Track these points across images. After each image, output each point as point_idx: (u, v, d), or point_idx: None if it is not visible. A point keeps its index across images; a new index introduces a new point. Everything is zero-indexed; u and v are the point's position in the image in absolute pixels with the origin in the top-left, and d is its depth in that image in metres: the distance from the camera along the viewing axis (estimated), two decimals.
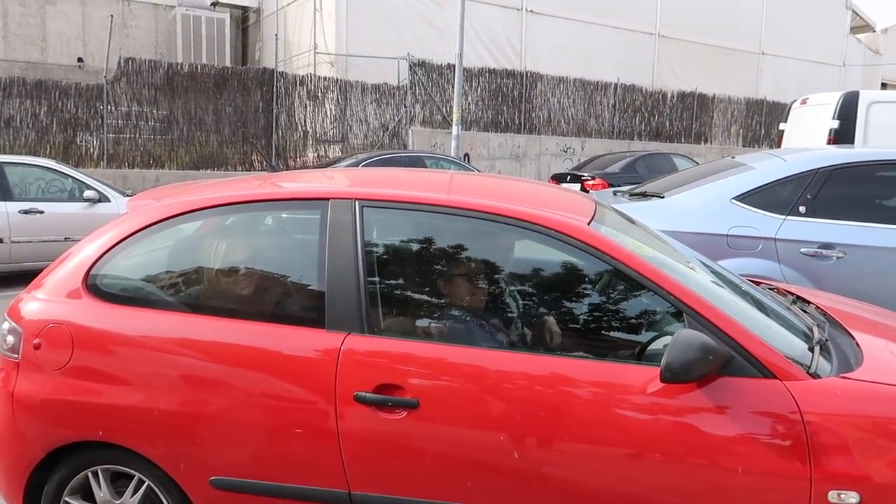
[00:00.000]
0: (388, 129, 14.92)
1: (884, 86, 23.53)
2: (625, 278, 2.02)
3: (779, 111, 20.62)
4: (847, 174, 4.21)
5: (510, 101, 16.40)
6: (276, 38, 15.31)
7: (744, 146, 20.09)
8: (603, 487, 1.89)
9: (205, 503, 2.13)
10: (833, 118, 7.27)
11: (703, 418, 1.85)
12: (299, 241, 2.35)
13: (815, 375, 1.89)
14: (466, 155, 13.87)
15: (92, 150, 12.76)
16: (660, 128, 18.80)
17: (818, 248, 3.97)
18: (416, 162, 11.02)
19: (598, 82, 17.56)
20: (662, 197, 4.47)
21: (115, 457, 2.20)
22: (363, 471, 1.99)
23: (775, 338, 2.02)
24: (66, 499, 2.27)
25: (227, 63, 17.34)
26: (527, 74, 16.57)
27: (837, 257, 3.95)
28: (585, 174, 12.44)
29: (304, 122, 14.47)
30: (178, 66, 13.72)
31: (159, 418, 2.09)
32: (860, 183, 4.24)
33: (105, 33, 14.14)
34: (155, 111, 13.28)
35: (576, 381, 1.94)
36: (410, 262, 2.74)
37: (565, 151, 16.84)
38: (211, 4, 18.64)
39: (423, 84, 15.13)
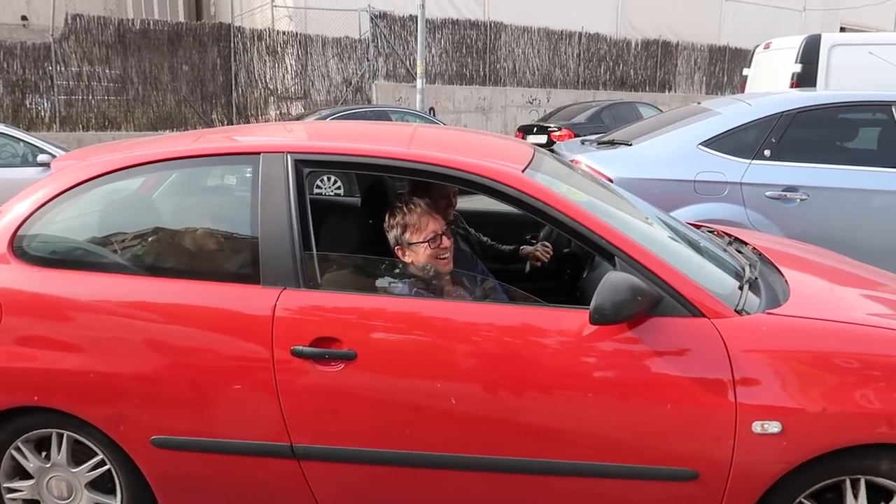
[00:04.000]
0: (350, 84, 14.62)
1: (843, 29, 23.73)
2: (558, 224, 2.04)
3: (741, 58, 20.63)
4: (810, 117, 4.25)
5: (474, 53, 16.17)
6: None
7: (707, 93, 20.19)
8: (537, 428, 1.94)
9: (147, 463, 2.13)
10: (796, 62, 7.32)
11: (633, 357, 1.89)
12: (233, 197, 2.32)
13: (741, 312, 1.94)
14: (432, 109, 13.70)
15: (43, 112, 12.29)
16: (624, 77, 18.76)
17: (782, 191, 4.03)
18: (382, 117, 10.84)
19: (562, 31, 17.38)
20: (630, 145, 4.47)
21: (52, 421, 2.18)
22: (304, 423, 2.01)
23: (706, 277, 2.06)
24: (7, 485, 2.28)
25: (181, 18, 16.70)
26: (490, 25, 16.31)
27: (801, 199, 4.02)
28: (552, 125, 12.41)
29: (265, 78, 14.10)
30: (130, 23, 13.19)
31: (95, 380, 2.07)
32: (823, 125, 4.28)
33: None
34: (107, 70, 12.80)
35: (510, 326, 1.98)
36: (344, 214, 2.77)
37: (531, 103, 16.74)
38: None
39: (385, 37, 14.80)
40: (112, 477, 2.22)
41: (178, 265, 2.23)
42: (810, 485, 1.91)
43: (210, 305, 2.05)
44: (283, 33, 14.21)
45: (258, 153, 2.16)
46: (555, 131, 12.07)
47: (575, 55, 17.76)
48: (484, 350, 1.96)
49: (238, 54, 13.73)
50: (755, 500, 1.91)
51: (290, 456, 2.04)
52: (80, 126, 12.51)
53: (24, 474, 2.26)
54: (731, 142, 4.17)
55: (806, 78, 7.21)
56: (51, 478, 2.25)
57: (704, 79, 20.42)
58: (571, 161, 4.54)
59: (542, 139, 12.28)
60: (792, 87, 7.23)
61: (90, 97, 12.68)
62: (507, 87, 16.58)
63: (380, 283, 2.25)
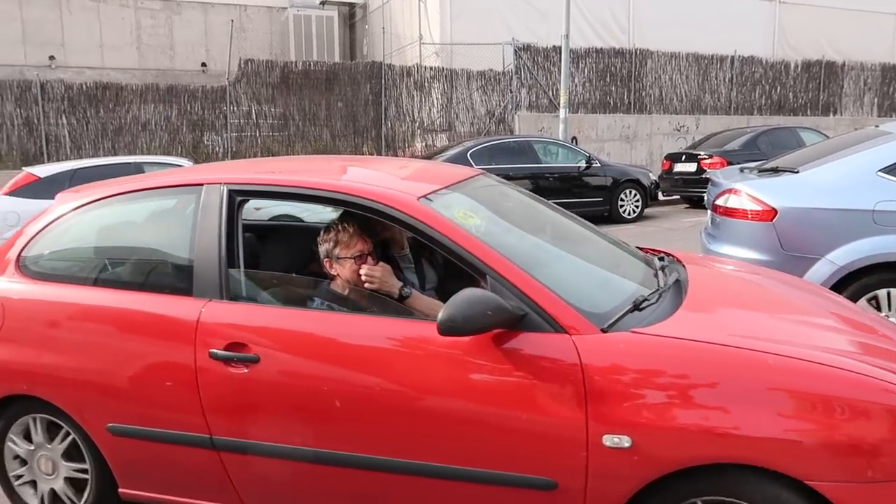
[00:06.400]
0: (493, 115, 14.91)
1: None
2: (442, 248, 2.20)
3: None
4: None
5: (619, 81, 15.92)
6: (384, 32, 15.65)
7: (879, 116, 18.45)
8: (406, 431, 2.11)
9: (104, 445, 2.52)
10: None
11: (494, 369, 2.02)
12: (180, 223, 2.62)
13: (607, 330, 2.02)
14: (574, 138, 13.62)
15: (217, 148, 13.61)
16: (782, 100, 17.63)
17: None
18: (524, 147, 10.95)
19: (712, 56, 16.69)
20: (796, 172, 4.20)
21: (34, 408, 2.64)
22: (219, 418, 2.31)
23: (584, 297, 2.16)
24: (12, 473, 2.81)
25: (337, 59, 17.93)
26: (636, 52, 16.01)
27: None
28: (702, 153, 11.90)
29: (412, 112, 14.73)
30: (293, 65, 14.34)
31: (66, 374, 2.49)
32: None
33: (224, 38, 14.98)
34: (272, 109, 13.97)
35: (387, 337, 2.19)
36: (263, 236, 3.14)
37: (678, 130, 16.16)
38: (320, 3, 19.29)
39: (528, 68, 14.99)
40: (80, 450, 2.63)
41: (136, 279, 2.63)
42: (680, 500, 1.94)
43: (153, 312, 2.43)
44: (430, 69, 14.80)
45: (202, 185, 2.53)
46: (705, 159, 11.56)
47: (727, 80, 16.96)
48: (363, 358, 2.17)
49: (388, 90, 14.47)
50: None
51: (210, 447, 2.34)
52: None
53: (22, 462, 2.77)
54: None
55: None
56: (39, 456, 2.72)
57: (876, 100, 18.71)
58: (729, 190, 4.33)
59: (692, 167, 11.80)
60: None
61: (257, 133, 13.89)
62: (653, 115, 16.13)
63: (298, 298, 2.52)
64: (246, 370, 2.24)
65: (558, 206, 3.17)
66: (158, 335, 2.39)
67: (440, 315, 1.98)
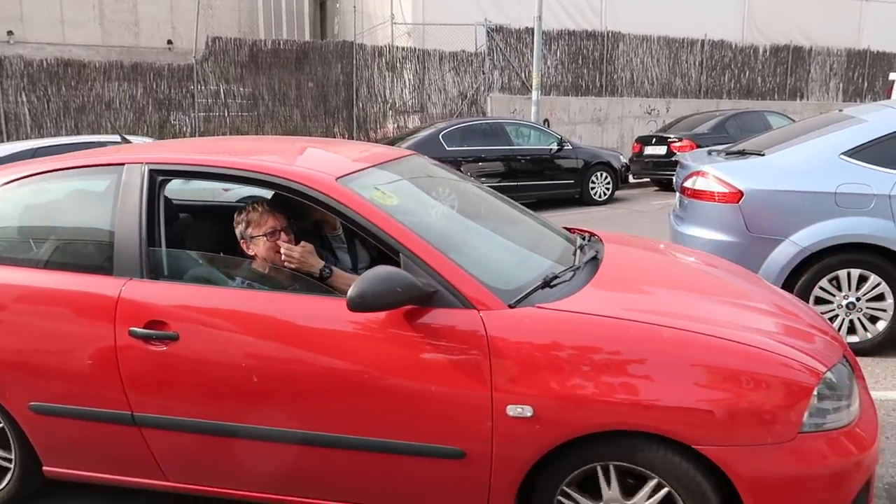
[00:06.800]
0: (466, 97, 14.83)
1: None
2: (358, 227, 2.25)
3: (884, 62, 19.08)
4: None
5: (591, 64, 15.95)
6: (355, 11, 15.42)
7: (844, 101, 18.79)
8: (321, 404, 2.18)
9: (27, 425, 2.51)
10: None
11: (407, 343, 2.09)
12: (102, 202, 2.59)
13: (514, 305, 2.10)
14: (546, 120, 13.62)
15: (184, 128, 13.33)
16: (751, 85, 17.84)
17: None
18: (497, 129, 10.92)
19: (683, 39, 16.80)
20: (763, 155, 4.27)
21: None
22: (140, 395, 2.34)
23: (497, 274, 2.24)
24: None
25: (307, 38, 17.65)
26: (608, 35, 16.03)
27: None
28: (672, 136, 12.00)
29: (384, 93, 14.59)
30: (262, 44, 14.07)
31: None
32: None
33: (191, 15, 14.63)
34: (241, 88, 13.70)
35: (304, 314, 2.24)
36: (198, 216, 3.15)
37: (649, 113, 16.27)
38: None
39: (501, 50, 14.92)
40: (7, 437, 2.60)
41: (58, 258, 2.59)
42: (571, 470, 2.07)
43: (74, 291, 2.42)
44: (402, 49, 14.65)
45: (123, 164, 2.53)
46: (675, 142, 11.67)
47: (697, 63, 17.10)
48: (280, 334, 2.21)
49: (360, 70, 14.30)
50: (520, 480, 2.08)
51: (131, 423, 2.37)
52: None
53: None
54: (878, 151, 3.89)
55: None
56: None
57: (841, 85, 19.04)
58: (697, 172, 4.38)
59: (662, 150, 11.91)
60: None
61: (225, 113, 13.62)
62: (625, 98, 16.22)
63: (220, 277, 2.54)
64: (165, 347, 2.27)
65: (489, 188, 3.23)
66: (79, 314, 2.39)
67: (350, 291, 2.03)
